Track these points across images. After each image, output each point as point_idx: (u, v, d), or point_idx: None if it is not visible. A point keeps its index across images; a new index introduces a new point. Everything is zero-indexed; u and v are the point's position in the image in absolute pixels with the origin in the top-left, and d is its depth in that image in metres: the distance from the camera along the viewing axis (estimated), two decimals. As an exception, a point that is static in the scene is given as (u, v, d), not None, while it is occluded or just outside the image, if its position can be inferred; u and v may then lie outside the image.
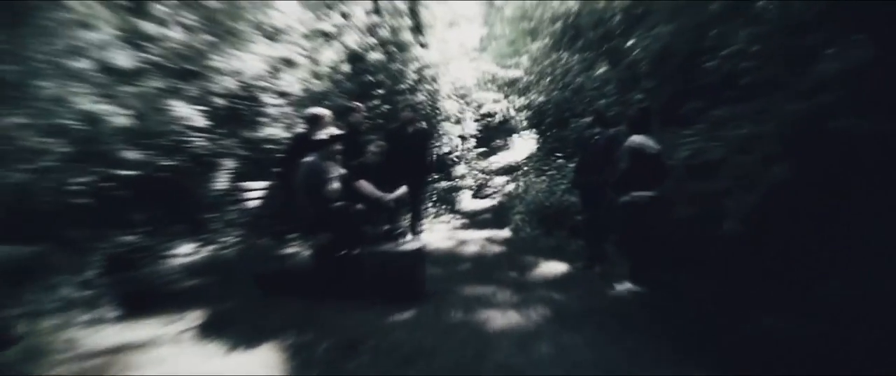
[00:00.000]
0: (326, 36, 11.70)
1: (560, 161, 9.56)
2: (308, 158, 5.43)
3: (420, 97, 12.93)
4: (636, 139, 5.56)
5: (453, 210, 11.96)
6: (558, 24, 13.23)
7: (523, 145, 17.34)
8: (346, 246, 5.48)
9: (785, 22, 5.50)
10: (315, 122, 6.18)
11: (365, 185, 5.97)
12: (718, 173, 6.50)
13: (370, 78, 12.17)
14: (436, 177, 12.58)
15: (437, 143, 12.88)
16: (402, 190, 6.37)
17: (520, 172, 13.83)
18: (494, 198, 13.62)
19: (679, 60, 7.91)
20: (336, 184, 5.57)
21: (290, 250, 7.02)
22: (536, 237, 8.51)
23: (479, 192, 14.02)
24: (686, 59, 7.85)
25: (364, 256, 5.32)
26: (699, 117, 7.30)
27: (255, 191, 6.50)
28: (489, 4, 16.78)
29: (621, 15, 10.79)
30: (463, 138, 14.10)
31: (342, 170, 5.84)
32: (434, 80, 13.17)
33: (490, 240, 8.75)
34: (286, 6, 9.74)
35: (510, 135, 19.18)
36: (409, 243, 5.65)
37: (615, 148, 6.57)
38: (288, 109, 9.39)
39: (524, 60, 14.76)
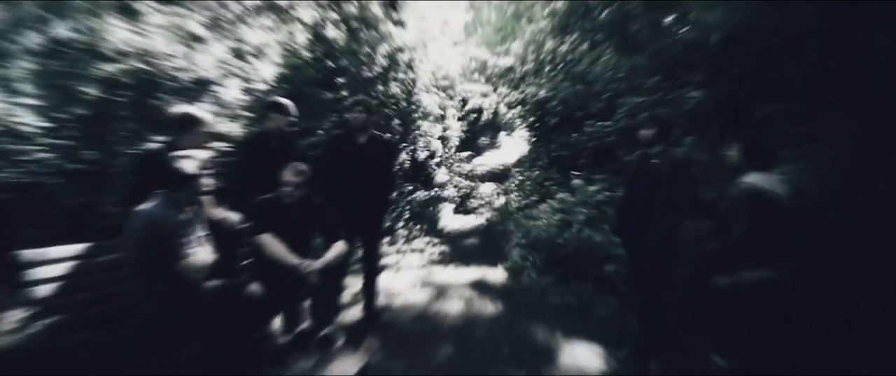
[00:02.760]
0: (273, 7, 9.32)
1: (577, 181, 7.08)
2: (148, 203, 2.95)
3: (393, 88, 10.47)
4: (757, 181, 3.13)
5: (432, 230, 9.47)
6: (560, 2, 10.81)
7: (514, 145, 14.84)
8: (227, 365, 2.98)
9: None
10: (187, 130, 3.67)
11: (271, 244, 3.52)
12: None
13: (331, 63, 9.72)
14: (411, 188, 10.11)
15: (411, 152, 10.38)
16: (338, 249, 3.88)
17: (512, 181, 11.38)
18: (482, 213, 11.14)
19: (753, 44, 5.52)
20: (205, 248, 3.11)
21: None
22: (546, 287, 6.08)
23: (463, 205, 11.54)
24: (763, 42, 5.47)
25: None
26: (794, 130, 4.92)
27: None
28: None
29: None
30: (444, 139, 11.61)
31: (226, 218, 3.40)
32: (411, 67, 10.68)
33: (481, 289, 6.31)
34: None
35: (499, 134, 16.72)
36: (346, 359, 3.19)
37: (685, 179, 4.18)
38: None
39: (516, 46, 12.27)
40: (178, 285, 2.88)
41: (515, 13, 12.43)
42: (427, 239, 8.96)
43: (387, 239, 8.31)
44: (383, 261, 7.44)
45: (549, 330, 4.98)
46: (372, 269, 5.18)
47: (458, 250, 8.44)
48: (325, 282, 3.60)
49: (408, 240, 8.76)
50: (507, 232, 8.21)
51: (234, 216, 3.67)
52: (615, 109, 7.50)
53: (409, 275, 6.90)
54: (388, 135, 9.87)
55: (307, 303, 3.95)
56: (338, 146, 4.98)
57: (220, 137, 6.53)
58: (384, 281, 6.47)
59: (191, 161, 3.07)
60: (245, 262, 3.56)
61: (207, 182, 3.17)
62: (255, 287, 3.23)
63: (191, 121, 3.66)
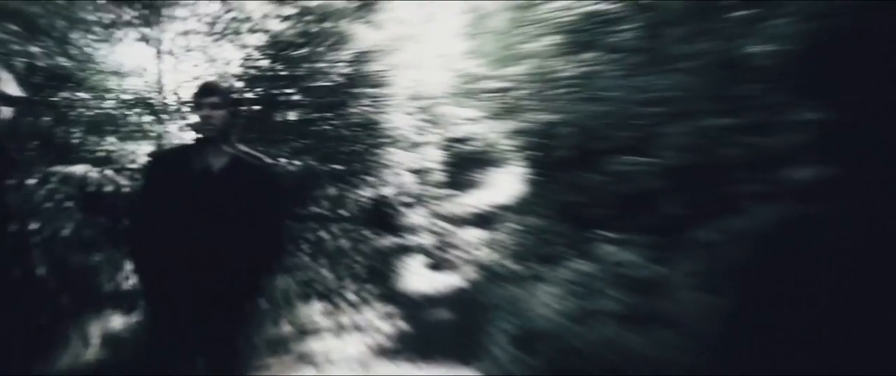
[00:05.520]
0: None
1: (608, 247, 4.58)
2: None
3: (357, 103, 8.20)
4: None
5: (391, 294, 7.01)
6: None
7: (507, 184, 12.36)
8: None
9: None
10: None
11: None
12: None
13: (284, 69, 7.72)
14: (368, 233, 7.70)
15: (373, 186, 7.99)
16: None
17: (502, 228, 9.00)
18: (461, 269, 8.65)
19: None
20: None
21: None
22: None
23: (437, 257, 9.03)
24: None
25: None
26: None
27: None
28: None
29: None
30: (420, 172, 9.24)
31: None
32: (382, 79, 8.42)
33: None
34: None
35: (488, 168, 14.31)
36: None
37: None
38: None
39: (516, 70, 9.98)
40: None
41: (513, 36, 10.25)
42: (381, 307, 6.48)
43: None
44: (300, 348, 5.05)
45: None
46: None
47: (422, 330, 5.95)
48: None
49: (355, 307, 6.31)
50: (492, 307, 5.73)
51: None
52: (656, 139, 5.14)
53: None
54: (341, 166, 7.56)
55: None
56: (165, 174, 2.62)
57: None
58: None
59: None
60: None
61: None
62: None
63: None
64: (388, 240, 8.06)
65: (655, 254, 4.21)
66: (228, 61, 7.50)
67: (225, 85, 2.69)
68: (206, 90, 2.58)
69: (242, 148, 2.72)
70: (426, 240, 9.02)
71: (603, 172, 5.69)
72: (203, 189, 2.55)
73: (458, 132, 10.94)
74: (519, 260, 6.47)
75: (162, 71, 7.02)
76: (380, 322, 6.09)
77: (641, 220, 4.77)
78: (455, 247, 9.47)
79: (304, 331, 5.46)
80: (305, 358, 4.96)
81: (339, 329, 5.73)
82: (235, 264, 2.54)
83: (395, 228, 8.42)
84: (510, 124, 9.74)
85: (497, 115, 10.21)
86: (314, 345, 5.23)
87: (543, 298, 4.69)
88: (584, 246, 5.09)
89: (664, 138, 4.97)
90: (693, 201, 4.22)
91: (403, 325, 6.06)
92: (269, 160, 2.80)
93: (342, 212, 7.51)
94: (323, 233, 7.16)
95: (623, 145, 5.65)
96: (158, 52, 7.04)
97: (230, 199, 2.56)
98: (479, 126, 10.66)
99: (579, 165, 6.34)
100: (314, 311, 5.94)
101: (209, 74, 7.20)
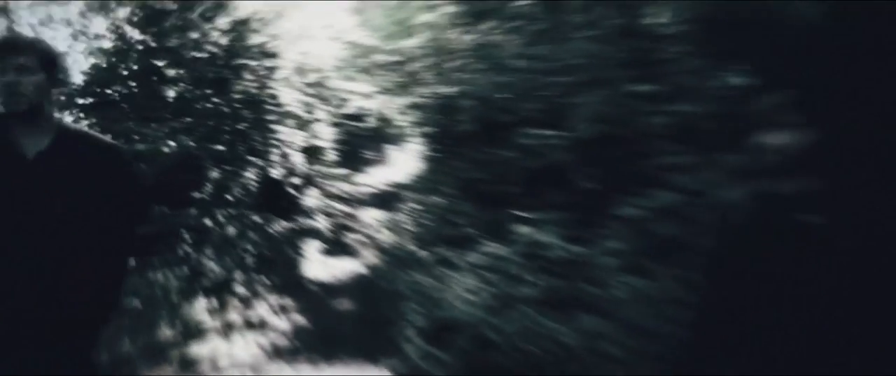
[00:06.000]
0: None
1: (521, 228, 4.25)
2: None
3: (237, 79, 7.63)
4: None
5: (287, 284, 6.49)
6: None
7: (406, 161, 11.99)
8: None
9: None
10: None
11: None
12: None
13: (154, 42, 7.11)
14: (259, 219, 7.14)
15: (262, 168, 7.42)
16: None
17: (404, 208, 8.62)
18: (362, 254, 8.21)
19: None
20: None
21: None
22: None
23: (336, 242, 8.51)
24: None
25: None
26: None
27: None
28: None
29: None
30: (312, 151, 8.69)
31: None
32: (265, 52, 7.84)
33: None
34: None
35: (386, 146, 13.88)
36: None
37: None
38: None
39: (416, 41, 9.55)
40: None
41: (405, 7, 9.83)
42: (276, 300, 5.97)
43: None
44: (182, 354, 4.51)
45: None
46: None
47: (322, 324, 5.51)
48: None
49: (246, 302, 5.76)
50: (399, 296, 5.36)
51: None
52: (566, 110, 4.89)
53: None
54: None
55: None
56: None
57: None
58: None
59: None
60: None
61: None
62: None
63: None
64: (280, 225, 7.50)
65: (574, 233, 3.97)
66: (97, 35, 7.03)
67: (37, 40, 2.00)
68: (8, 46, 1.92)
69: (70, 125, 2.11)
70: (322, 223, 8.50)
71: (510, 147, 5.39)
72: (14, 181, 1.91)
73: (351, 108, 10.41)
74: (425, 244, 6.11)
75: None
76: (274, 317, 5.60)
77: (556, 197, 4.52)
78: (354, 230, 9.01)
79: (187, 334, 4.93)
80: (189, 366, 4.44)
81: (228, 328, 5.22)
82: (70, 273, 1.95)
83: (287, 212, 7.85)
84: (406, 99, 9.35)
85: (392, 90, 9.78)
86: (199, 350, 4.71)
87: (454, 286, 4.36)
88: (496, 227, 4.79)
89: (575, 109, 4.71)
90: (612, 175, 4.00)
91: (301, 320, 5.60)
92: (108, 139, 2.21)
93: (228, 196, 6.92)
94: (207, 221, 6.57)
95: (530, 117, 5.37)
96: (10, 23, 6.60)
97: (55, 192, 1.94)
98: (373, 101, 10.19)
99: (483, 140, 6.03)
100: (199, 309, 5.38)
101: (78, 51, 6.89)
